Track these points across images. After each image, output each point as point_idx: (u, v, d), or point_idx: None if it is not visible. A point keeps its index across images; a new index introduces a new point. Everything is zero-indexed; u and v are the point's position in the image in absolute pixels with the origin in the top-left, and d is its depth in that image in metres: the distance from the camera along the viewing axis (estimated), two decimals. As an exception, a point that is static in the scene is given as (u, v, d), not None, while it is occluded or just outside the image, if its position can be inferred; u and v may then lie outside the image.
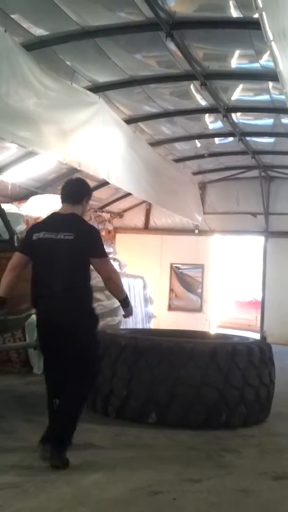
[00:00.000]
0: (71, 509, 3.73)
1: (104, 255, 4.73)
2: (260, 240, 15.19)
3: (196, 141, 12.19)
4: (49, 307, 4.59)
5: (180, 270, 15.53)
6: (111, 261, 12.60)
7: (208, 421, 5.94)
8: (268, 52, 6.17)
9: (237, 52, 7.99)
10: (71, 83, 7.99)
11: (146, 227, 15.65)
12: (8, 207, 9.38)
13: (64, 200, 4.83)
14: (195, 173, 14.40)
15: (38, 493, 3.94)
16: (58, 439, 4.45)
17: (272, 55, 5.47)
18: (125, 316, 5.26)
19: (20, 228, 9.17)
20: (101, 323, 10.53)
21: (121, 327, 10.61)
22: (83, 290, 4.66)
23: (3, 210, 6.62)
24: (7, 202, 10.35)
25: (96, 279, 11.70)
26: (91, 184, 12.33)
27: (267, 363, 6.44)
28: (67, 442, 4.49)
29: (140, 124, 10.78)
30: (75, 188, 4.87)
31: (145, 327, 12.00)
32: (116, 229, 15.47)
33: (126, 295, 5.01)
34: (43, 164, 10.69)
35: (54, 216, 4.82)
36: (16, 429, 5.47)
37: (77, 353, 4.54)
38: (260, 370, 6.30)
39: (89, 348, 4.64)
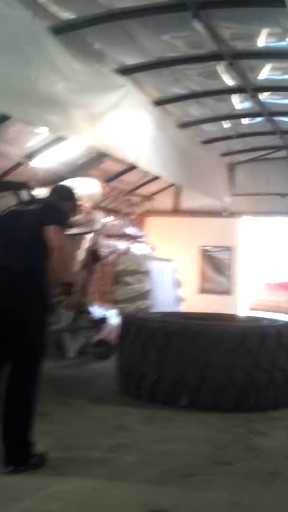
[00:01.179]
0: (105, 491, 3.82)
1: (55, 223, 4.20)
2: (290, 221, 15.02)
3: (224, 122, 12.06)
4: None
5: (209, 253, 15.47)
6: (142, 244, 12.67)
7: (238, 404, 5.97)
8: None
9: (264, 31, 7.83)
10: (99, 67, 7.97)
11: (175, 210, 15.58)
12: (40, 193, 9.44)
13: (50, 194, 4.88)
14: (223, 155, 14.25)
15: (73, 474, 4.03)
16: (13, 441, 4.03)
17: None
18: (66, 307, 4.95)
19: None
20: (132, 307, 10.68)
21: (151, 311, 10.67)
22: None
23: (35, 195, 6.66)
24: (39, 187, 10.41)
25: (126, 263, 11.78)
26: (121, 167, 12.50)
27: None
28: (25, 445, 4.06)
29: (168, 106, 10.69)
30: (63, 189, 5.07)
31: (174, 311, 12.04)
32: (146, 213, 15.46)
33: (72, 281, 4.55)
34: (72, 149, 10.70)
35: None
36: (50, 412, 5.56)
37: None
38: None
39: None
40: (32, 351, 4.19)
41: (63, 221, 4.35)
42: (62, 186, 5.29)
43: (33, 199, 4.91)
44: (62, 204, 4.61)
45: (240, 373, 5.97)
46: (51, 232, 4.14)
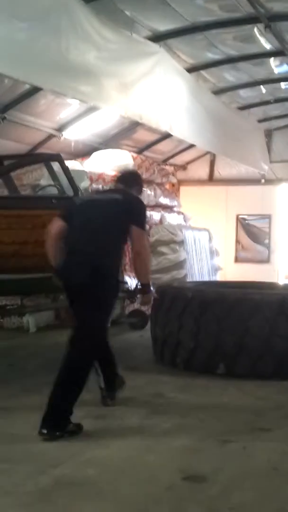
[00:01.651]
0: (142, 457, 3.85)
1: (141, 225, 4.60)
2: None
3: (262, 87, 11.76)
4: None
5: (246, 221, 15.28)
6: (176, 214, 12.62)
7: (277, 372, 5.93)
8: None
9: (303, -9, 7.60)
10: (131, 34, 7.83)
11: (211, 179, 15.41)
12: (72, 164, 9.43)
13: (117, 182, 5.17)
14: (260, 121, 13.97)
15: (109, 441, 4.08)
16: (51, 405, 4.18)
17: None
18: (142, 303, 5.19)
19: (84, 184, 9.24)
20: (167, 277, 10.66)
21: (187, 280, 10.64)
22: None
23: (67, 167, 6.67)
24: (71, 159, 10.41)
25: (160, 233, 11.70)
26: (154, 137, 12.37)
27: None
28: (57, 412, 4.17)
29: (203, 72, 10.50)
30: (128, 175, 5.28)
31: (211, 280, 11.98)
32: (180, 182, 15.30)
33: (150, 282, 4.87)
34: (104, 119, 10.64)
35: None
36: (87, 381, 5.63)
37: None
38: None
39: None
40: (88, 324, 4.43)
41: (145, 224, 4.74)
42: (129, 173, 5.51)
43: (111, 189, 5.31)
44: (137, 188, 5.03)
45: (279, 341, 5.92)
46: (137, 235, 4.55)
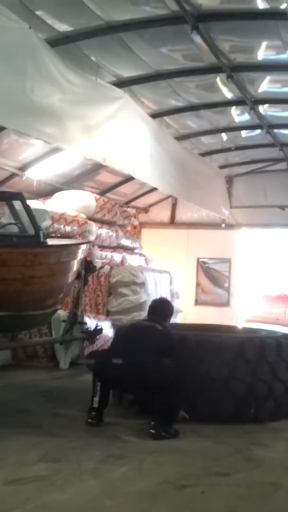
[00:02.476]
0: (98, 502, 3.75)
1: (175, 363, 5.64)
2: (288, 233, 15.04)
3: (223, 134, 12.09)
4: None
5: (206, 265, 15.45)
6: (137, 256, 12.67)
7: (237, 415, 5.91)
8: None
9: (264, 44, 7.89)
10: (96, 79, 7.98)
11: (172, 222, 15.60)
12: (34, 204, 9.43)
13: (151, 314, 6.18)
14: (221, 167, 14.30)
15: (65, 486, 3.97)
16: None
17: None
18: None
19: (46, 224, 9.22)
20: (127, 318, 10.62)
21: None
22: None
23: (29, 206, 6.65)
24: (33, 199, 10.41)
25: (121, 274, 11.75)
26: (117, 179, 12.50)
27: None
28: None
29: (166, 118, 10.74)
30: (161, 307, 6.28)
31: (171, 322, 11.96)
32: (142, 224, 15.45)
33: None
34: (68, 160, 10.72)
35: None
36: (42, 423, 5.52)
37: None
38: None
39: None
40: None
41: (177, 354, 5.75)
42: (160, 304, 6.42)
43: (149, 318, 6.16)
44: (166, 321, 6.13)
45: (238, 384, 5.91)
46: (172, 367, 5.55)
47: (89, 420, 5.54)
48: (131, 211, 14.20)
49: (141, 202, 15.11)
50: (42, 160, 10.26)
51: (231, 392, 5.90)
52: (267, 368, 6.05)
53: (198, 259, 15.23)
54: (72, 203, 10.79)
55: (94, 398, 5.62)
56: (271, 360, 6.08)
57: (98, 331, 8.53)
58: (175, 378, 5.48)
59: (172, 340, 5.84)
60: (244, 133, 12.15)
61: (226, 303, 15.04)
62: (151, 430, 5.26)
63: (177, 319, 12.78)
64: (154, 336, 5.81)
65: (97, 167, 11.35)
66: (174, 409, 5.54)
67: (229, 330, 8.04)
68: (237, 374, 5.94)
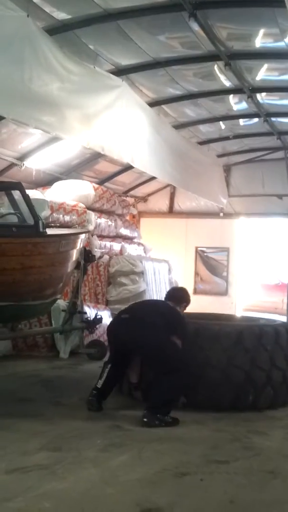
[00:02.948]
0: (98, 490, 3.78)
1: (182, 337, 5.70)
2: (286, 222, 15.03)
3: (221, 123, 12.06)
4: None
5: (205, 254, 15.46)
6: (136, 245, 12.69)
7: (235, 403, 5.94)
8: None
9: (261, 31, 7.84)
10: (94, 67, 7.95)
11: (171, 211, 15.60)
12: (33, 193, 9.42)
13: (167, 299, 6.23)
14: (219, 156, 14.28)
15: (66, 474, 4.00)
16: None
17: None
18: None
19: (45, 214, 9.22)
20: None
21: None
22: None
23: (28, 196, 6.65)
24: (32, 188, 10.40)
25: (120, 264, 11.76)
26: (115, 168, 12.47)
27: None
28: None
29: (164, 106, 10.71)
30: (179, 294, 6.36)
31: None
32: (141, 213, 15.45)
33: None
34: (66, 150, 10.70)
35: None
36: (43, 413, 5.55)
37: None
38: (286, 352, 6.27)
39: None
40: None
41: (186, 334, 5.78)
42: (178, 291, 6.57)
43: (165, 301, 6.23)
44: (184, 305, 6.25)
45: (237, 372, 5.94)
46: (177, 342, 5.62)
47: (90, 398, 5.67)
48: (130, 200, 14.18)
49: (140, 192, 15.09)
50: (40, 150, 10.24)
51: (230, 379, 5.94)
52: (266, 356, 6.09)
53: (196, 248, 15.23)
54: (71, 193, 10.78)
55: (100, 380, 5.72)
56: (269, 348, 6.11)
57: (97, 320, 8.56)
58: (179, 362, 5.48)
59: (181, 318, 5.92)
60: (242, 121, 12.12)
61: (224, 292, 15.07)
62: (144, 419, 5.28)
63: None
64: (164, 308, 5.95)
65: (96, 156, 11.33)
66: (173, 397, 5.53)
67: (227, 319, 8.08)
68: (236, 362, 5.97)
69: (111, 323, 6.18)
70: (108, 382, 5.74)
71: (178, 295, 6.31)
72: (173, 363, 5.46)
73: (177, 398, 5.64)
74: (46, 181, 11.39)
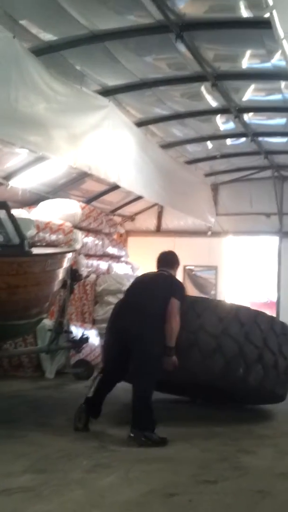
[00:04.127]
0: (85, 512, 3.72)
1: (179, 299, 5.69)
2: (274, 240, 15.11)
3: (208, 142, 12.15)
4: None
5: (193, 272, 15.47)
6: (124, 264, 12.63)
7: (226, 373, 6.04)
8: (280, 51, 6.15)
9: (248, 52, 7.94)
10: (81, 87, 7.98)
11: (158, 230, 15.62)
12: (19, 213, 9.40)
13: (161, 266, 6.25)
14: (207, 175, 14.36)
15: (51, 496, 3.93)
16: None
17: (284, 53, 5.43)
18: (164, 366, 5.56)
19: (31, 233, 9.19)
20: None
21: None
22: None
23: (13, 215, 6.64)
24: (18, 208, 10.37)
25: (107, 283, 11.70)
26: (102, 188, 12.49)
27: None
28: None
29: (151, 126, 10.77)
30: (169, 257, 6.38)
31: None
32: (128, 232, 15.46)
33: (174, 346, 5.55)
34: (53, 169, 10.69)
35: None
36: (28, 434, 5.48)
37: None
38: (280, 340, 6.47)
39: None
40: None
41: (184, 297, 5.83)
42: (167, 255, 6.49)
43: (157, 268, 6.29)
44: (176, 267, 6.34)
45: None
46: (175, 304, 5.62)
47: (82, 405, 5.66)
48: (117, 219, 14.19)
49: (127, 211, 15.12)
50: (27, 169, 10.21)
51: (222, 349, 6.07)
52: (260, 335, 6.27)
53: (184, 267, 15.23)
54: (58, 212, 10.76)
55: (91, 389, 5.73)
56: (264, 328, 6.33)
57: (84, 340, 8.50)
58: (154, 368, 5.46)
59: (176, 282, 6.06)
60: (229, 141, 12.22)
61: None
62: (131, 434, 5.31)
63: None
64: (160, 281, 6.02)
65: (83, 176, 11.34)
66: (145, 410, 5.41)
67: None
68: (230, 332, 6.16)
69: (114, 308, 6.16)
70: (99, 389, 5.70)
71: (169, 260, 6.38)
72: (150, 366, 5.47)
73: (150, 414, 5.46)
74: (33, 201, 11.36)
